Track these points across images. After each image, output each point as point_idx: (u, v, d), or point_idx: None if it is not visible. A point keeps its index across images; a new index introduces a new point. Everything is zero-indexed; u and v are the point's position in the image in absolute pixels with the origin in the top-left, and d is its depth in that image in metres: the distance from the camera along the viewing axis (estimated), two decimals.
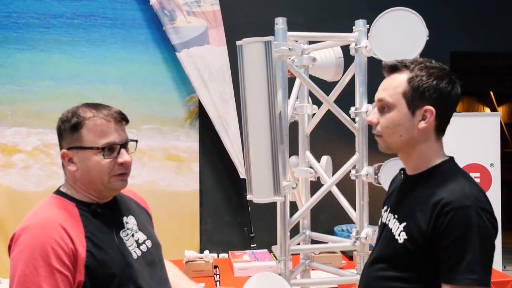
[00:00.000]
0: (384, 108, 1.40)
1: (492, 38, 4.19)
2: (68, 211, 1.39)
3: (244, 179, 3.34)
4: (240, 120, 2.13)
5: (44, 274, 1.26)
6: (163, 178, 3.73)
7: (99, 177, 1.41)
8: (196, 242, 3.77)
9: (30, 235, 1.30)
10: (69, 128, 1.41)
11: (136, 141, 1.50)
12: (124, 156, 1.43)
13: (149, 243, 1.54)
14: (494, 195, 3.79)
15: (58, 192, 1.46)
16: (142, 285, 1.42)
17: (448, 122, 1.41)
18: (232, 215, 3.89)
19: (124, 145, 1.45)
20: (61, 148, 1.44)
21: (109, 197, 1.49)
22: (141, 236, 1.52)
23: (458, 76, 1.40)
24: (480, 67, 5.95)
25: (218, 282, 2.77)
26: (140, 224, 1.56)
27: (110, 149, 1.41)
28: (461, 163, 1.43)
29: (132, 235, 1.49)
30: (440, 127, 1.39)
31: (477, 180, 3.81)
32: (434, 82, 1.35)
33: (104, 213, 1.44)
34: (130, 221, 1.52)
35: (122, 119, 1.45)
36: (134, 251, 1.46)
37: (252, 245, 3.75)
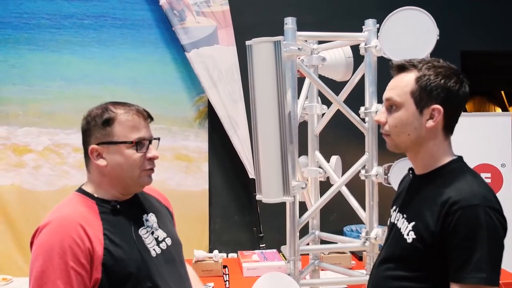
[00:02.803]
0: (392, 107, 1.41)
1: (503, 37, 4.15)
2: (88, 209, 1.41)
3: (253, 179, 3.34)
4: (249, 120, 2.14)
5: (59, 272, 1.29)
6: (172, 177, 3.74)
7: (130, 171, 1.44)
8: (205, 242, 3.78)
9: (49, 232, 1.33)
10: (101, 123, 1.43)
11: (159, 139, 1.53)
12: (152, 151, 1.48)
13: (169, 240, 1.55)
14: (506, 195, 3.75)
15: (79, 190, 1.49)
16: (160, 283, 1.43)
17: (456, 121, 1.41)
18: (241, 215, 3.90)
19: (150, 141, 1.50)
20: (87, 144, 1.46)
21: (133, 193, 1.52)
22: (161, 234, 1.54)
23: (466, 75, 1.39)
24: (490, 67, 5.90)
25: (227, 282, 2.78)
26: (161, 221, 1.58)
27: (140, 144, 1.45)
28: (472, 163, 1.43)
29: (152, 233, 1.51)
30: (448, 126, 1.39)
31: (488, 181, 3.78)
32: (442, 81, 1.35)
33: (124, 210, 1.46)
34: (150, 219, 1.54)
35: (148, 116, 1.51)
36: (153, 249, 1.48)
37: (261, 245, 3.75)
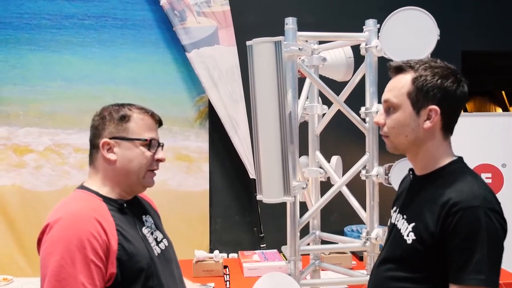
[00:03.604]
0: (390, 109, 1.42)
1: (504, 37, 4.15)
2: (98, 205, 1.42)
3: (254, 179, 3.34)
4: (250, 120, 2.14)
5: (80, 266, 1.28)
6: (173, 178, 3.74)
7: (138, 168, 1.47)
8: (206, 242, 3.78)
9: (64, 227, 1.32)
10: (117, 119, 1.47)
11: (163, 145, 1.57)
12: (161, 153, 1.53)
13: (166, 241, 1.59)
14: (506, 196, 3.75)
15: (82, 187, 1.49)
16: (163, 281, 1.45)
17: (455, 121, 1.40)
18: (242, 215, 3.90)
19: (159, 144, 1.55)
20: (98, 137, 1.47)
21: (135, 194, 1.55)
22: (159, 235, 1.58)
23: (467, 75, 1.39)
24: (491, 67, 5.90)
25: (228, 282, 2.78)
26: (156, 223, 1.61)
27: (153, 144, 1.50)
28: (473, 163, 1.43)
29: (151, 233, 1.54)
30: (447, 127, 1.39)
31: (489, 181, 3.78)
32: (439, 82, 1.34)
33: (128, 209, 1.48)
34: (149, 220, 1.58)
35: (159, 121, 1.57)
36: (155, 248, 1.50)
37: (261, 245, 3.75)
